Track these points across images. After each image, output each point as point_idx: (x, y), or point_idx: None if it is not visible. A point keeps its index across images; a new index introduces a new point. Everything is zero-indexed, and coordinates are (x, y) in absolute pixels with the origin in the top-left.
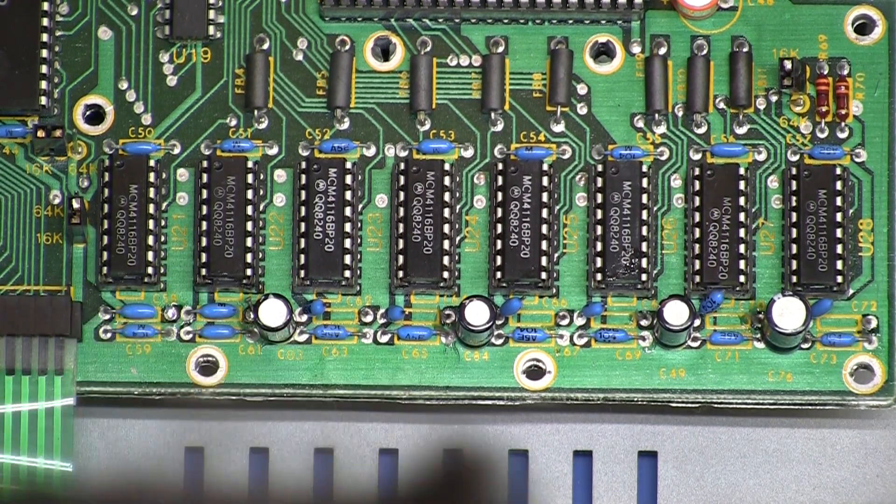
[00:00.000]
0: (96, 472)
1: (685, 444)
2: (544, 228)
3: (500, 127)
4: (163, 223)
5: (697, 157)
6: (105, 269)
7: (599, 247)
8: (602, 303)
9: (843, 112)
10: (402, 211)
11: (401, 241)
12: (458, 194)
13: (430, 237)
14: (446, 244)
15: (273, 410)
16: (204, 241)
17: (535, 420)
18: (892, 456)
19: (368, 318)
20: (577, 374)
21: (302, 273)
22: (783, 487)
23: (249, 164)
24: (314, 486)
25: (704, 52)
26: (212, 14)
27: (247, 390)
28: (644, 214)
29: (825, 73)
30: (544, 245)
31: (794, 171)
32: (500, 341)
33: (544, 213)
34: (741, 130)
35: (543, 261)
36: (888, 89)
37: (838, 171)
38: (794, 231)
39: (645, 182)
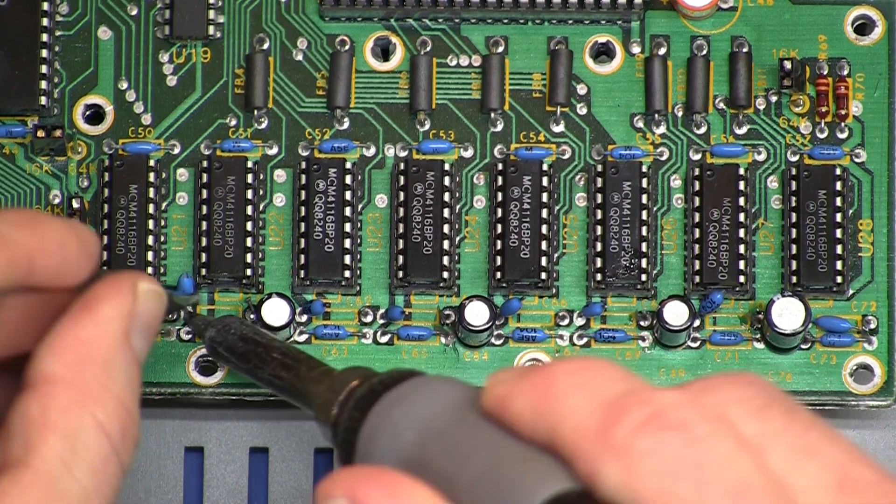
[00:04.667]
0: None
1: None
2: (544, 229)
3: (499, 127)
4: (163, 223)
5: (697, 157)
6: (105, 269)
7: (599, 247)
8: (602, 303)
9: (843, 112)
10: (401, 211)
11: (401, 242)
12: (457, 194)
13: (429, 237)
14: (446, 244)
15: (273, 410)
16: (204, 241)
17: None
18: (892, 456)
19: (368, 318)
20: None
21: (302, 273)
22: None
23: (249, 164)
24: (314, 487)
25: (704, 52)
26: (212, 14)
27: (247, 390)
28: (644, 215)
29: (825, 73)
30: (544, 245)
31: (793, 171)
32: (499, 341)
33: (544, 213)
34: (741, 131)
35: (543, 261)
36: (888, 89)
37: (838, 171)
38: (794, 231)
39: (645, 182)
